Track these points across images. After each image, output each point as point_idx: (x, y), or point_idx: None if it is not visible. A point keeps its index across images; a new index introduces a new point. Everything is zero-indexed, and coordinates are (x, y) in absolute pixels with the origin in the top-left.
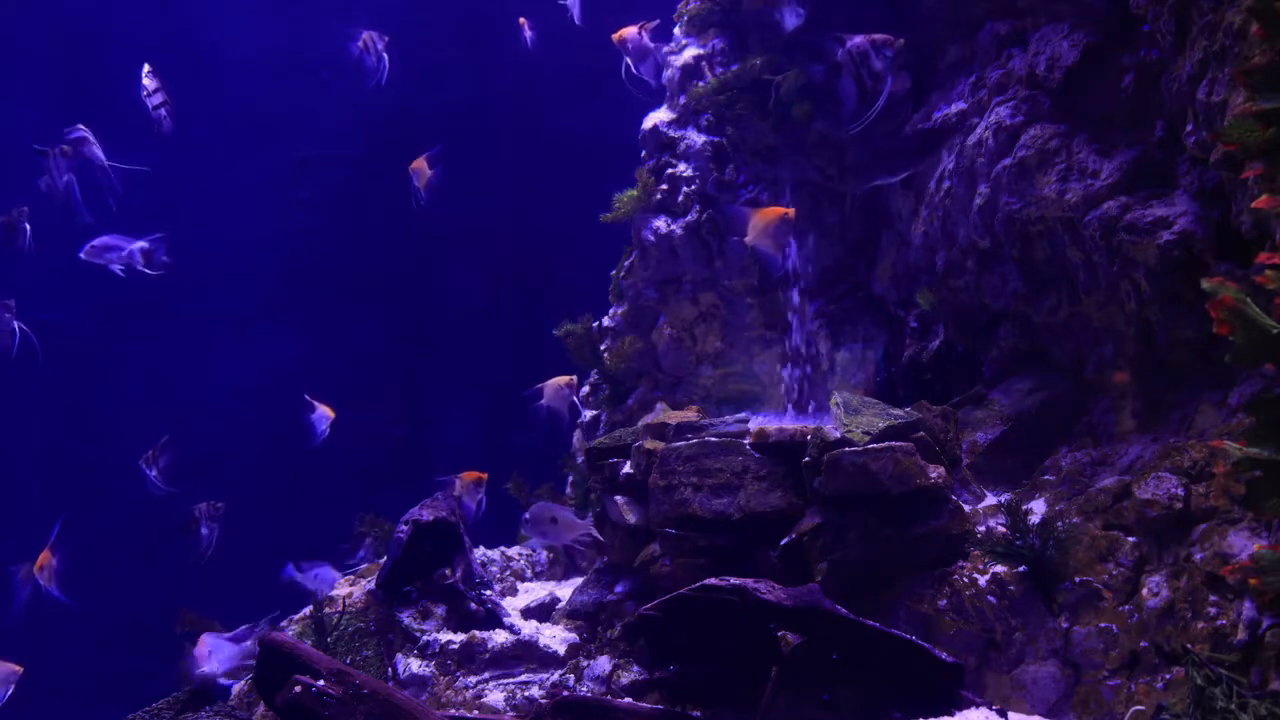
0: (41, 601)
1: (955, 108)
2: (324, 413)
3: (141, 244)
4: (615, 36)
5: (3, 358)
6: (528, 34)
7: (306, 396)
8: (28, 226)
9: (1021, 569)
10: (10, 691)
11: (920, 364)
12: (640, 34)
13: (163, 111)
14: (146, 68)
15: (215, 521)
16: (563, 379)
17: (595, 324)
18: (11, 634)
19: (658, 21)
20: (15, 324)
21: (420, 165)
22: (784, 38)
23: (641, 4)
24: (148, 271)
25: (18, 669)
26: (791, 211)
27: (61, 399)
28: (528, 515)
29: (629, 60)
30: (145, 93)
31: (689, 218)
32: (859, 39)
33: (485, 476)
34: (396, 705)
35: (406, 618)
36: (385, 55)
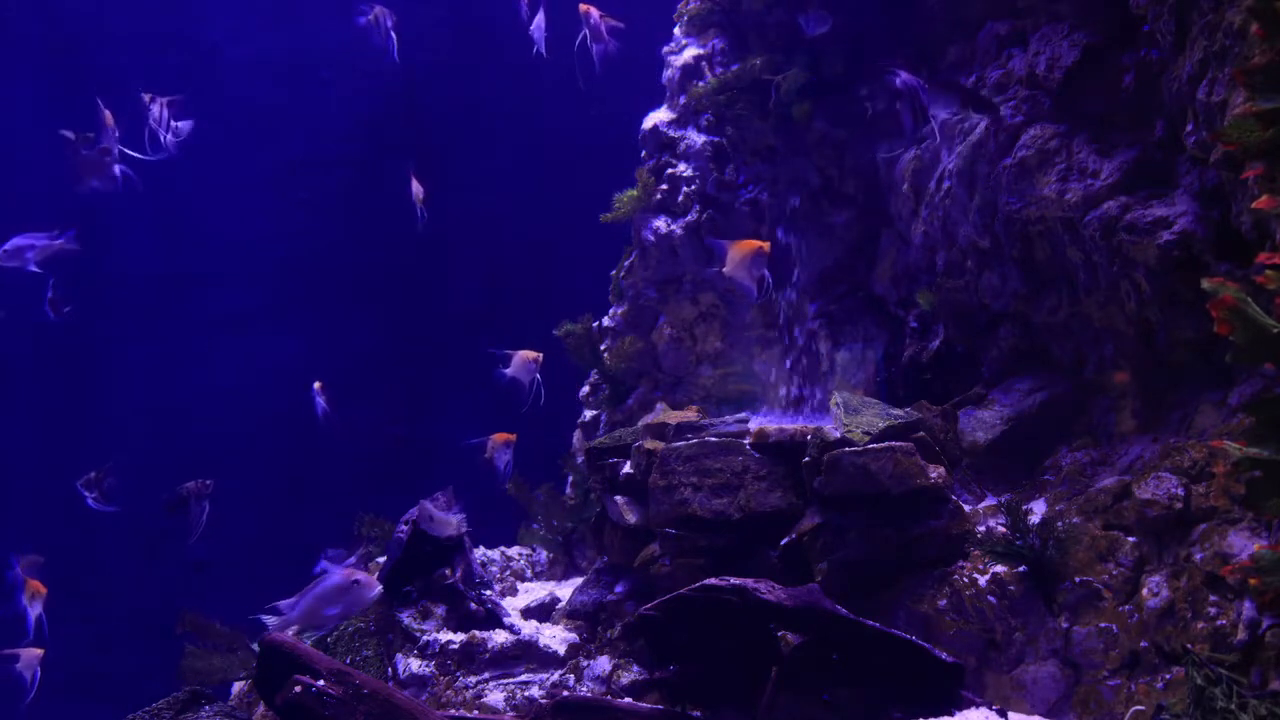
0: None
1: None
2: (316, 389)
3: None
4: (582, 7)
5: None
6: (525, 7)
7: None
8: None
9: (1021, 569)
10: (38, 674)
11: (920, 364)
12: (600, 21)
13: (179, 122)
14: (146, 98)
15: (204, 499)
16: (530, 353)
17: (595, 324)
18: (11, 633)
19: (622, 25)
20: (118, 168)
21: (416, 187)
22: (785, 38)
23: (642, 4)
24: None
25: (39, 651)
26: (767, 245)
27: (62, 397)
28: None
29: (586, 33)
30: (154, 119)
31: (689, 218)
32: (909, 75)
33: (514, 437)
34: (396, 705)
35: (406, 618)
36: (394, 34)
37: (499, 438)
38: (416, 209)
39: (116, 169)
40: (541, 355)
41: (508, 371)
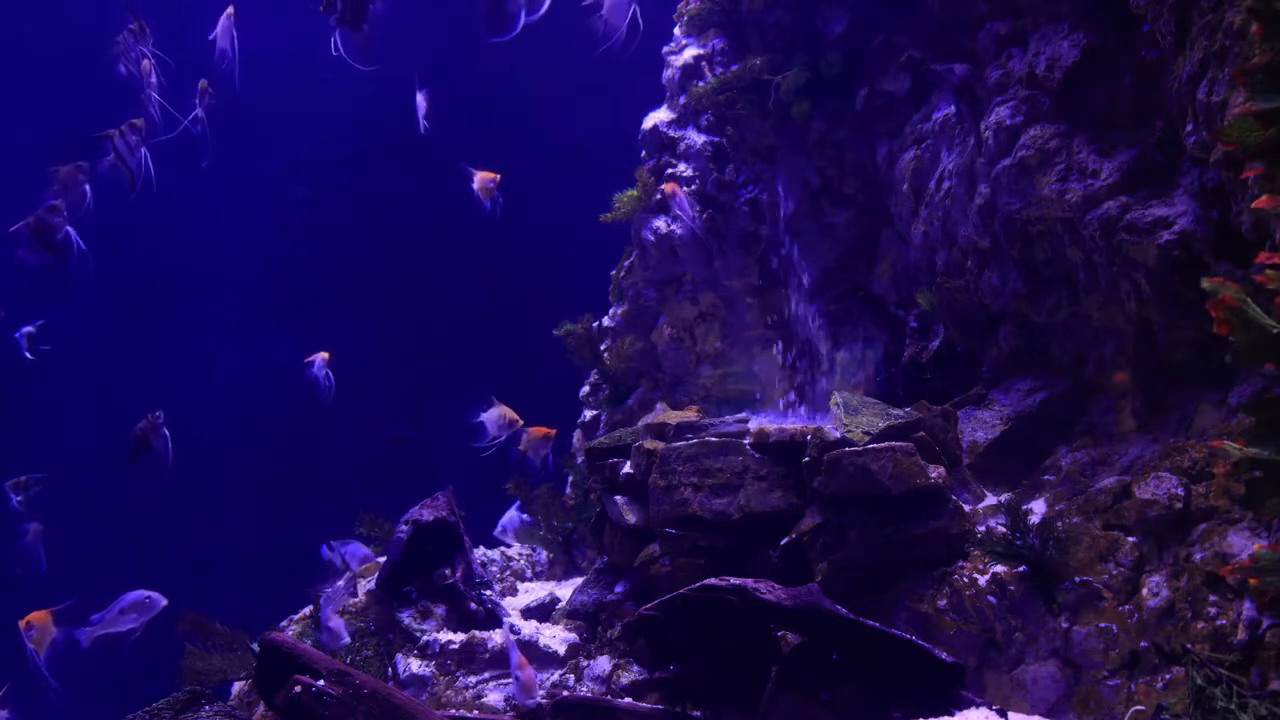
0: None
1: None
2: (321, 360)
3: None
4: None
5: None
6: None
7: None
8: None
9: (1021, 569)
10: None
11: (920, 364)
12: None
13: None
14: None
15: (161, 427)
16: (511, 413)
17: (595, 324)
18: (12, 630)
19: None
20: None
21: (481, 176)
22: (785, 38)
23: (642, 4)
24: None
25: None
26: (553, 431)
27: (61, 397)
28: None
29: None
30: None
31: None
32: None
33: (553, 432)
34: (396, 705)
35: (406, 618)
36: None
37: (536, 432)
38: (486, 201)
39: (67, 231)
40: (521, 420)
41: (482, 418)
